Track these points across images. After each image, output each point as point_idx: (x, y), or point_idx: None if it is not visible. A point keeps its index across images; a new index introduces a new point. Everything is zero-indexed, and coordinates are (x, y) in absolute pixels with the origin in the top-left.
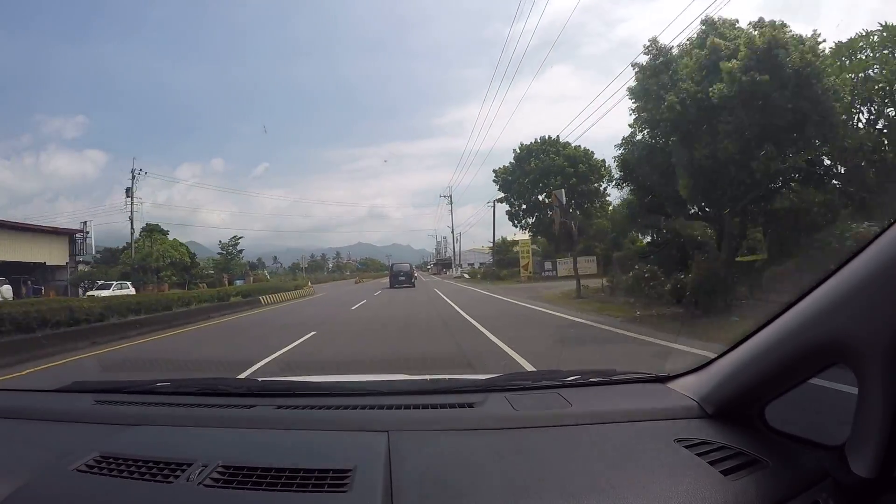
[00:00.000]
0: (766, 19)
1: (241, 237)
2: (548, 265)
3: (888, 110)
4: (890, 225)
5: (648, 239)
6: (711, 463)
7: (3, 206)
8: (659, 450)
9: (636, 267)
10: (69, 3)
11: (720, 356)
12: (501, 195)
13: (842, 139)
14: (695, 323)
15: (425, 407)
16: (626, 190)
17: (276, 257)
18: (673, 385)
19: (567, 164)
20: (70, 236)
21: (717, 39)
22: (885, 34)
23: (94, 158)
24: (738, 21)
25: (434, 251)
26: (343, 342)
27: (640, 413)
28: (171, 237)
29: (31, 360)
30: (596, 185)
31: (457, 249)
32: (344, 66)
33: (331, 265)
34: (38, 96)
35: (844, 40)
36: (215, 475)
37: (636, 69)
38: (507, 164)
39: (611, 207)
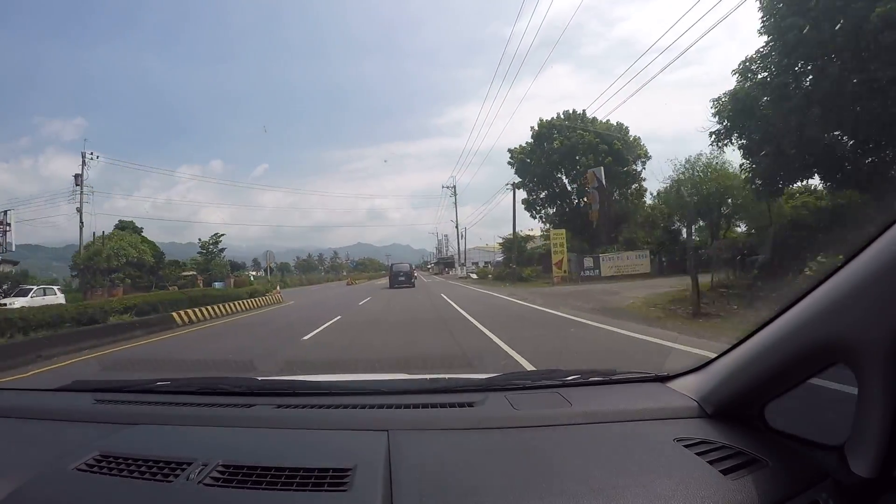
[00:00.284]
0: None
1: (223, 234)
2: (588, 262)
3: None
4: (890, 225)
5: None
6: (711, 462)
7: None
8: (659, 449)
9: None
10: (68, 3)
11: (720, 356)
12: (506, 192)
13: None
14: None
15: (425, 406)
16: (732, 147)
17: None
18: (673, 385)
19: (599, 141)
20: None
21: None
22: None
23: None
24: None
25: (435, 250)
26: None
27: (640, 413)
28: (174, 238)
29: None
30: (632, 167)
31: (461, 247)
32: (344, 66)
33: (328, 265)
34: (38, 97)
35: None
36: (215, 474)
37: None
38: (524, 144)
39: (654, 192)
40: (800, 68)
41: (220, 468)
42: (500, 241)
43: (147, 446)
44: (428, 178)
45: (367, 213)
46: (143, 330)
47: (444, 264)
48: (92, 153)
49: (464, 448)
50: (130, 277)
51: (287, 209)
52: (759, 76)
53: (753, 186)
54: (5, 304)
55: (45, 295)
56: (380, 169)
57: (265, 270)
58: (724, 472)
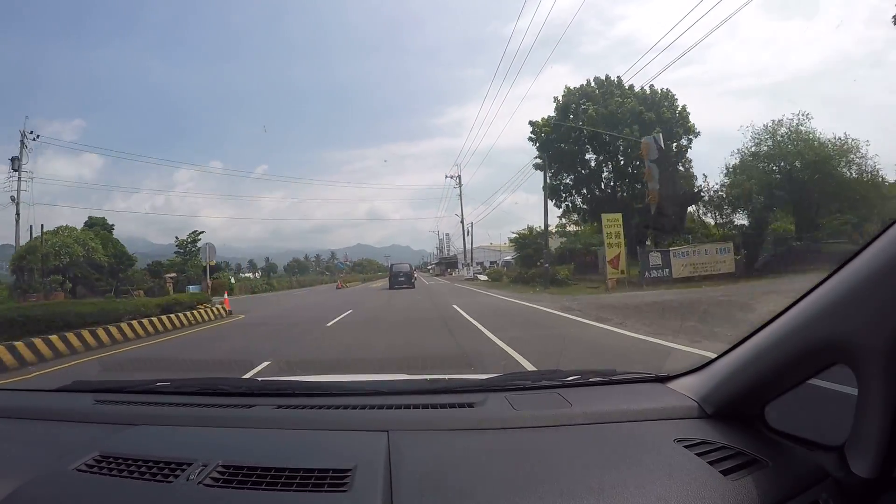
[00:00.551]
0: (766, 17)
1: (202, 232)
2: (655, 259)
3: None
4: (890, 225)
5: None
6: (711, 463)
7: None
8: (659, 450)
9: None
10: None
11: (720, 356)
12: (506, 192)
13: None
14: None
15: (425, 407)
16: None
17: (268, 258)
18: (673, 385)
19: (643, 109)
20: None
21: None
22: None
23: (91, 161)
24: None
25: (436, 249)
26: None
27: (640, 413)
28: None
29: None
30: (680, 142)
31: (468, 244)
32: (344, 66)
33: (324, 266)
34: (38, 98)
35: None
36: (215, 475)
37: None
38: (547, 116)
39: (705, 174)
40: None
41: (220, 469)
42: (514, 235)
43: (147, 447)
44: (428, 178)
45: (366, 213)
46: None
47: (447, 264)
48: (32, 132)
49: (464, 448)
50: (85, 280)
51: (286, 210)
52: None
53: None
54: None
55: None
56: (380, 169)
57: (267, 272)
58: (725, 472)
